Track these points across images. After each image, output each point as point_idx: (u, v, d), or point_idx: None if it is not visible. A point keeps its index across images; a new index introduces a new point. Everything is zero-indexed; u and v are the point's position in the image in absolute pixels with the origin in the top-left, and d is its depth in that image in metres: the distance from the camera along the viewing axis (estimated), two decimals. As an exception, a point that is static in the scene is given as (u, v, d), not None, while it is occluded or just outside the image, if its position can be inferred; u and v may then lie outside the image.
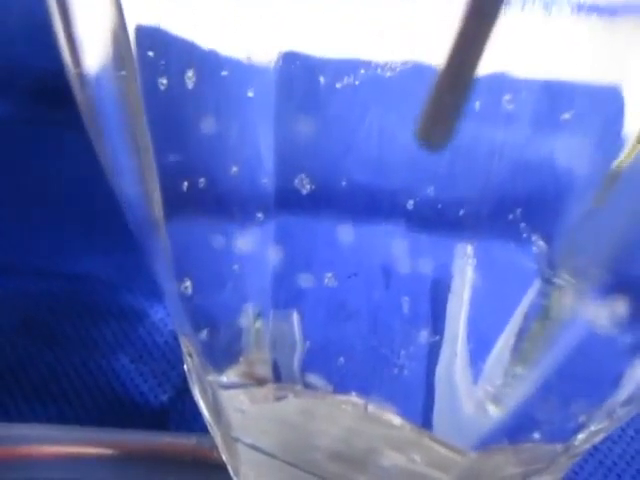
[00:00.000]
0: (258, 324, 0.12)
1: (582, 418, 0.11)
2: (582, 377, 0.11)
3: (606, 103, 0.10)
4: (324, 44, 0.10)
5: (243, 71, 0.10)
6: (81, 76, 0.11)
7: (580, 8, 0.09)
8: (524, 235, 0.10)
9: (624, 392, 0.11)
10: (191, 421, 0.15)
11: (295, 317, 0.12)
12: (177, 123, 0.11)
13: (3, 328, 0.17)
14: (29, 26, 0.29)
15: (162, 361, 0.17)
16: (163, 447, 0.14)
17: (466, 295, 0.11)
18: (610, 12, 0.09)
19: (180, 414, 0.15)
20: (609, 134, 0.10)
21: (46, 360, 0.16)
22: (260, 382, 0.12)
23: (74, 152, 0.23)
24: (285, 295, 0.12)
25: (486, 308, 0.11)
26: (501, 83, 0.09)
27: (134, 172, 0.11)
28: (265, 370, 0.12)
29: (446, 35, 0.09)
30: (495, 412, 0.11)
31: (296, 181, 0.10)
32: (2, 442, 0.14)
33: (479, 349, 0.11)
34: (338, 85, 0.10)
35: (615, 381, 0.11)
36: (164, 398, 0.16)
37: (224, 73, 0.10)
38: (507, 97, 0.09)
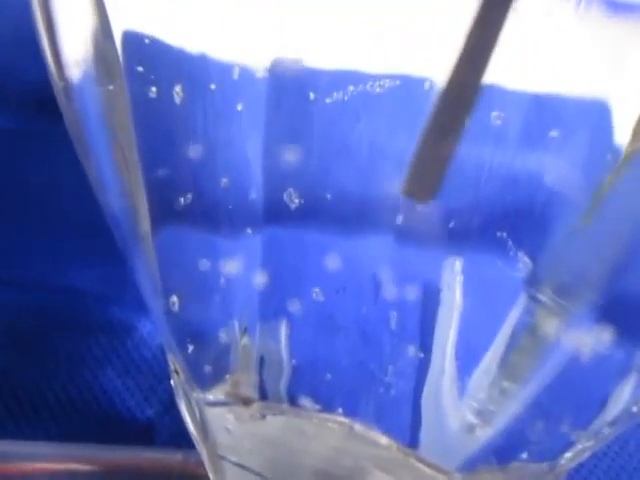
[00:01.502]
0: (245, 340, 0.12)
1: (569, 437, 0.11)
2: (570, 397, 0.11)
3: (594, 119, 0.10)
4: (315, 54, 0.10)
5: (232, 85, 0.10)
6: (67, 90, 0.11)
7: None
8: (511, 251, 0.10)
9: (611, 412, 0.11)
10: (178, 436, 0.15)
11: (282, 333, 0.12)
12: (165, 138, 0.11)
13: None
14: (21, 38, 0.29)
15: (149, 375, 0.16)
16: (149, 463, 0.14)
17: (455, 311, 0.11)
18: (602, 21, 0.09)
19: (167, 429, 0.15)
20: (597, 151, 0.10)
21: (32, 374, 0.16)
22: (246, 402, 0.11)
23: (63, 165, 0.23)
24: (272, 310, 0.12)
25: (474, 324, 0.11)
26: (489, 96, 0.09)
27: (121, 186, 0.11)
28: (251, 390, 0.12)
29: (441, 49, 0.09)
30: (483, 432, 0.11)
31: (285, 196, 0.10)
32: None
33: (466, 365, 0.11)
34: (328, 100, 0.10)
35: (603, 402, 0.11)
36: (150, 413, 0.16)
37: (213, 87, 0.10)
38: (495, 113, 0.09)
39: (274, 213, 0.11)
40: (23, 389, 0.16)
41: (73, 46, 0.10)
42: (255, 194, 0.11)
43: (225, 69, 0.10)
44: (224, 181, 0.11)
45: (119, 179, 0.11)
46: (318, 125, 0.10)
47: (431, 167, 0.09)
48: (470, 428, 0.11)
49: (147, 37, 0.10)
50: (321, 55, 0.10)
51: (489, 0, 0.08)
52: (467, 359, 0.11)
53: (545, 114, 0.10)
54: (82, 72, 0.10)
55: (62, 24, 0.10)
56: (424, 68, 0.09)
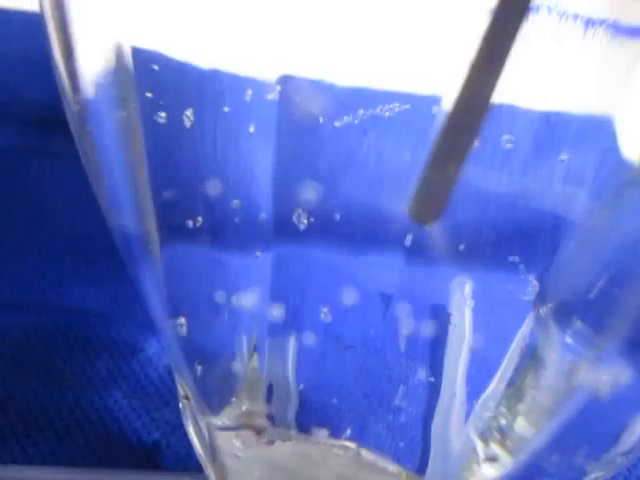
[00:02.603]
0: (254, 362, 0.12)
1: (582, 468, 0.11)
2: (583, 429, 0.11)
3: (601, 136, 0.10)
4: (327, 72, 0.10)
5: (244, 107, 0.10)
6: (81, 113, 0.11)
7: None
8: (520, 272, 0.10)
9: (625, 444, 0.11)
10: (184, 458, 0.15)
11: (290, 354, 0.12)
12: (176, 161, 0.11)
13: None
14: (24, 57, 0.30)
15: (155, 397, 0.16)
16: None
17: (466, 333, 0.11)
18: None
19: (173, 451, 0.15)
20: (605, 168, 0.10)
21: (37, 395, 0.16)
22: (259, 431, 0.11)
23: (68, 184, 0.23)
24: (281, 330, 0.12)
25: (483, 347, 0.11)
26: (499, 118, 0.09)
27: (132, 208, 0.11)
28: (262, 419, 0.12)
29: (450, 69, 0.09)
30: (492, 468, 0.11)
31: (294, 217, 0.10)
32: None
33: (475, 389, 0.11)
34: (337, 124, 0.10)
35: (618, 433, 0.11)
36: (157, 435, 0.16)
37: (226, 109, 0.10)
38: (506, 137, 0.09)
39: (284, 233, 0.11)
40: (28, 410, 0.16)
41: (89, 69, 0.10)
42: (265, 215, 0.11)
43: (237, 90, 0.10)
44: (235, 202, 0.11)
45: (130, 201, 0.11)
46: (327, 147, 0.10)
47: (436, 190, 0.09)
48: (478, 462, 0.11)
49: (157, 59, 0.10)
50: (332, 73, 0.10)
51: (498, 20, 0.08)
52: (476, 382, 0.11)
53: (554, 132, 0.10)
54: (97, 95, 0.10)
55: (79, 47, 0.10)
56: (433, 88, 0.09)
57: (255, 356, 0.12)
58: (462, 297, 0.11)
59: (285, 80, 0.10)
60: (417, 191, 0.09)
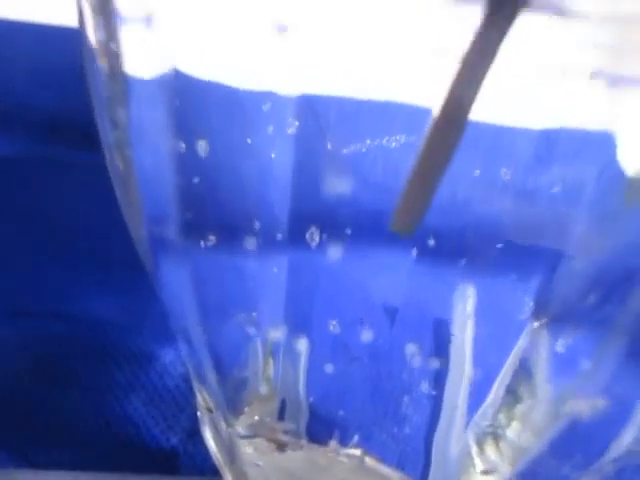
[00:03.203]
0: (268, 371, 0.12)
1: (572, 476, 0.11)
2: (576, 438, 0.11)
3: (601, 152, 0.10)
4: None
5: (265, 137, 0.11)
6: (123, 133, 0.11)
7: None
8: (519, 288, 0.11)
9: (613, 454, 0.11)
10: (201, 464, 0.16)
11: (301, 366, 0.12)
12: (201, 186, 0.11)
13: (14, 371, 0.17)
14: (35, 68, 0.30)
15: (172, 404, 0.17)
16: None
17: (467, 347, 0.11)
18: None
19: (190, 457, 0.16)
20: (605, 184, 0.10)
21: (59, 403, 0.17)
22: (281, 446, 0.12)
23: (85, 194, 0.24)
24: (293, 341, 0.12)
25: (483, 357, 0.11)
26: (497, 146, 0.10)
27: (163, 218, 0.12)
28: (283, 434, 0.12)
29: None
30: (489, 476, 0.11)
31: (307, 235, 0.11)
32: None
33: (475, 399, 0.12)
34: (345, 151, 0.10)
35: (604, 446, 0.11)
36: (175, 440, 0.16)
37: (248, 141, 0.10)
38: (504, 170, 0.10)
39: (297, 250, 0.11)
40: (51, 417, 0.17)
41: (136, 90, 0.11)
42: (280, 233, 0.11)
43: (260, 121, 0.11)
44: (253, 216, 0.11)
45: (164, 213, 0.12)
46: (336, 170, 0.11)
47: (417, 203, 0.10)
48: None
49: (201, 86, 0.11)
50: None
51: (477, 41, 0.09)
52: (476, 394, 0.11)
53: (553, 149, 0.10)
54: (143, 116, 0.11)
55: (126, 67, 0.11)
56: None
57: (270, 366, 0.12)
58: (464, 310, 0.11)
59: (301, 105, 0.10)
60: (399, 208, 0.09)
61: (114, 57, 0.11)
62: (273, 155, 0.11)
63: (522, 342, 0.11)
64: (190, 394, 0.16)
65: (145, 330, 0.19)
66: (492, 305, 0.11)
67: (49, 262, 0.21)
